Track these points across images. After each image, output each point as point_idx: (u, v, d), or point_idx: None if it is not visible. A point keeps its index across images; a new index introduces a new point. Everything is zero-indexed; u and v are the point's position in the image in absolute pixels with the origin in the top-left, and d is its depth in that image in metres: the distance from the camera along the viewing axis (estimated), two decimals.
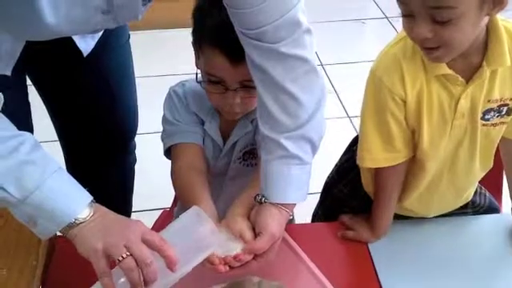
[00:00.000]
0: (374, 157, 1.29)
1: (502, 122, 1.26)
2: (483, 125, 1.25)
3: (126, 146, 1.77)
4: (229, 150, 1.35)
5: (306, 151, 1.18)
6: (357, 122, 1.60)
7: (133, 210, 1.98)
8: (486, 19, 1.10)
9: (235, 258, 1.10)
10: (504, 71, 1.20)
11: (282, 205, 1.16)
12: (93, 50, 1.45)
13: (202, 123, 1.34)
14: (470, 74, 1.19)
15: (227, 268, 1.10)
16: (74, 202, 1.03)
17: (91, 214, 1.03)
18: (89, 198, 1.05)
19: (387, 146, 1.26)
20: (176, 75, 1.58)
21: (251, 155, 1.35)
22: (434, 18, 1.06)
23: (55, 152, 1.73)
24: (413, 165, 1.31)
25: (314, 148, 1.20)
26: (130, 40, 1.61)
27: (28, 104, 1.56)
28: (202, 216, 1.06)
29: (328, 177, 1.53)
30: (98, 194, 1.78)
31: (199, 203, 1.18)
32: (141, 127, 1.79)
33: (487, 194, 1.48)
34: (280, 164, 1.16)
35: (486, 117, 1.24)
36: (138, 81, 1.69)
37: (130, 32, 1.60)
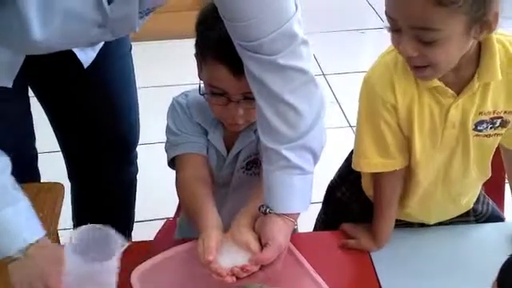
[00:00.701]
0: (369, 161, 1.30)
1: (497, 134, 1.27)
2: (476, 135, 1.25)
3: (127, 156, 1.77)
4: (232, 159, 1.36)
5: (307, 161, 1.18)
6: None
7: (136, 219, 1.98)
8: (472, 42, 1.11)
9: (242, 268, 1.11)
10: (497, 84, 1.20)
11: (286, 215, 1.17)
12: (93, 61, 1.46)
13: (206, 133, 1.34)
14: (461, 85, 1.19)
15: (234, 279, 1.11)
16: (9, 243, 1.09)
17: (21, 255, 1.09)
18: (25, 242, 1.10)
19: (382, 152, 1.28)
20: (180, 85, 1.59)
21: (255, 164, 1.36)
22: (419, 37, 1.07)
23: (58, 162, 1.75)
24: (407, 173, 1.32)
25: (316, 157, 1.20)
26: (133, 50, 1.62)
27: (30, 115, 1.57)
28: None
29: (331, 180, 1.54)
30: (100, 204, 1.80)
31: (204, 214, 1.20)
32: (145, 137, 1.80)
33: (490, 202, 1.48)
34: (282, 174, 1.17)
35: (479, 128, 1.24)
36: (142, 91, 1.70)
37: (134, 42, 1.61)
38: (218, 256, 1.12)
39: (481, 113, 1.22)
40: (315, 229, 1.57)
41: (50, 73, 1.46)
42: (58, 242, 1.46)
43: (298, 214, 1.21)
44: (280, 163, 1.17)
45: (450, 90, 1.19)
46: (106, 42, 1.44)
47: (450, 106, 1.21)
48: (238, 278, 1.11)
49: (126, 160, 1.78)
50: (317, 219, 1.58)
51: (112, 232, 1.05)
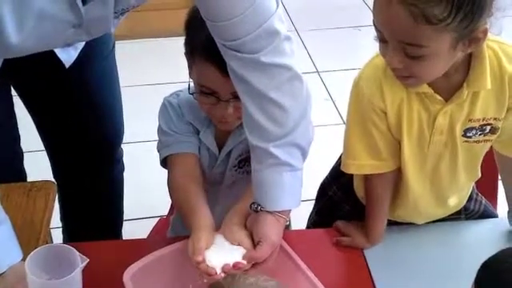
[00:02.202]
0: (358, 163, 1.29)
1: (486, 140, 1.26)
2: (465, 141, 1.25)
3: (112, 155, 1.76)
4: (224, 158, 1.36)
5: (296, 157, 1.18)
6: None
7: (128, 218, 1.98)
8: (460, 54, 1.10)
9: (234, 266, 1.11)
10: (487, 92, 1.19)
11: (277, 212, 1.17)
12: (76, 61, 1.45)
13: (197, 132, 1.34)
14: (450, 92, 1.19)
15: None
16: None
17: None
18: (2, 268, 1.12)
19: (372, 154, 1.27)
20: (170, 84, 1.59)
21: (247, 162, 1.35)
22: (405, 51, 1.07)
23: (44, 161, 1.74)
24: (397, 175, 1.32)
25: (304, 153, 1.20)
26: (119, 49, 1.61)
27: (14, 114, 1.56)
28: None
29: (324, 179, 1.54)
30: (87, 203, 1.79)
31: (195, 213, 1.20)
32: (137, 135, 1.79)
33: (483, 200, 1.47)
34: (272, 172, 1.17)
35: (468, 134, 1.24)
36: (134, 89, 1.69)
37: (120, 41, 1.60)
38: (210, 254, 1.12)
39: (470, 120, 1.22)
40: (307, 227, 1.57)
41: (32, 73, 1.45)
42: (51, 241, 1.45)
43: (290, 210, 1.21)
44: (269, 161, 1.17)
45: (438, 97, 1.19)
46: (87, 42, 1.42)
47: (437, 112, 1.20)
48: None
49: (110, 159, 1.76)
50: (309, 217, 1.58)
51: (72, 249, 1.08)
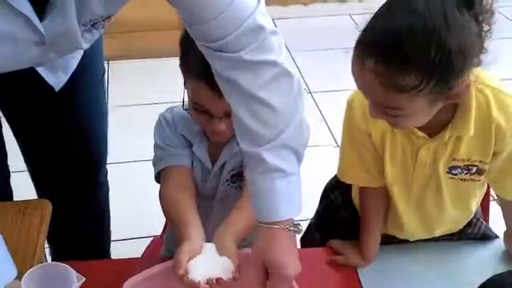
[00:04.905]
0: (352, 174, 1.32)
1: (473, 179, 1.25)
2: (450, 178, 1.25)
3: (96, 176, 1.75)
4: (217, 172, 1.37)
5: (289, 161, 1.11)
6: None
7: (119, 237, 1.96)
8: (441, 105, 1.09)
9: (217, 281, 1.10)
10: (471, 138, 1.18)
11: (282, 224, 1.11)
12: (66, 86, 1.44)
13: (190, 146, 1.35)
14: (434, 130, 1.19)
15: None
16: None
17: None
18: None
19: (365, 170, 1.29)
20: (161, 104, 1.59)
21: (239, 177, 1.36)
22: (384, 110, 1.08)
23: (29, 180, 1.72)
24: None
25: (299, 156, 1.13)
26: (115, 68, 1.62)
27: (1, 134, 1.54)
28: None
29: (329, 181, 1.55)
30: (73, 225, 1.76)
31: (184, 223, 1.19)
32: (129, 155, 1.79)
33: (483, 225, 1.45)
34: (263, 180, 1.11)
35: (453, 172, 1.24)
36: (126, 109, 1.70)
37: (110, 61, 1.60)
38: (195, 264, 1.11)
39: (454, 159, 1.22)
40: (309, 225, 1.56)
41: (20, 95, 1.44)
42: (46, 259, 1.45)
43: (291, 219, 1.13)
44: (260, 168, 1.10)
45: (420, 133, 1.19)
46: (78, 67, 1.43)
47: (420, 146, 1.21)
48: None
49: (94, 181, 1.75)
50: (309, 222, 1.58)
51: (68, 267, 1.06)
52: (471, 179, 1.25)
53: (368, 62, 1.03)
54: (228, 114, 1.21)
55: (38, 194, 1.74)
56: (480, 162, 1.22)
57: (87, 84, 1.53)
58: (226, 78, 1.10)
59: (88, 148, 1.64)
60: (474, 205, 1.35)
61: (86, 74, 1.48)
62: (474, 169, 1.23)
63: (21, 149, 1.64)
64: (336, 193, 1.50)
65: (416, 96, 1.03)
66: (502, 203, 1.35)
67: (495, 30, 1.04)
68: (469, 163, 1.22)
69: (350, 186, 1.43)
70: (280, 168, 1.10)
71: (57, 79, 1.42)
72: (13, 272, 1.14)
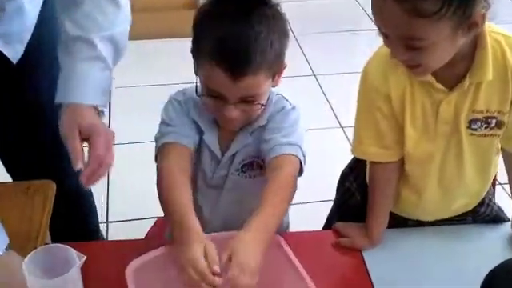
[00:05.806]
0: (364, 148, 1.31)
1: (493, 134, 1.26)
2: (471, 134, 1.26)
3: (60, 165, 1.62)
4: (227, 161, 1.33)
5: (111, 55, 1.24)
6: (350, 132, 1.61)
7: (120, 219, 1.94)
8: (464, 40, 1.11)
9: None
10: (489, 84, 1.20)
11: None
12: (24, 58, 1.41)
13: (200, 132, 1.31)
14: (453, 82, 1.20)
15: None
16: None
17: None
18: None
19: (378, 143, 1.29)
20: (168, 85, 1.57)
21: (250, 167, 1.33)
22: (406, 44, 1.09)
23: None
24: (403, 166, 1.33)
25: (117, 54, 1.27)
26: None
27: None
28: None
29: (343, 169, 1.55)
30: (55, 213, 1.69)
31: (188, 214, 1.14)
32: (128, 136, 1.76)
33: (495, 205, 1.45)
34: (84, 65, 1.22)
35: (473, 126, 1.25)
36: (128, 90, 1.67)
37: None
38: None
39: (473, 111, 1.23)
40: (327, 220, 1.57)
41: None
42: (50, 240, 1.45)
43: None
44: (87, 53, 1.21)
45: (440, 86, 1.20)
46: (34, 34, 1.42)
47: (441, 101, 1.22)
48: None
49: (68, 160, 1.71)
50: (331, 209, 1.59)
51: (69, 248, 1.08)
52: (491, 134, 1.26)
53: None
54: (243, 100, 1.20)
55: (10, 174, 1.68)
56: (498, 112, 1.23)
57: (49, 53, 1.42)
58: None
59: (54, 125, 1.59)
60: (492, 172, 1.36)
61: (44, 43, 1.44)
62: (494, 122, 1.24)
63: None
64: (351, 178, 1.49)
65: (437, 22, 1.04)
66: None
67: None
68: (488, 115, 1.23)
69: (364, 170, 1.42)
70: (105, 59, 1.23)
71: (13, 51, 1.40)
72: (5, 239, 1.13)
